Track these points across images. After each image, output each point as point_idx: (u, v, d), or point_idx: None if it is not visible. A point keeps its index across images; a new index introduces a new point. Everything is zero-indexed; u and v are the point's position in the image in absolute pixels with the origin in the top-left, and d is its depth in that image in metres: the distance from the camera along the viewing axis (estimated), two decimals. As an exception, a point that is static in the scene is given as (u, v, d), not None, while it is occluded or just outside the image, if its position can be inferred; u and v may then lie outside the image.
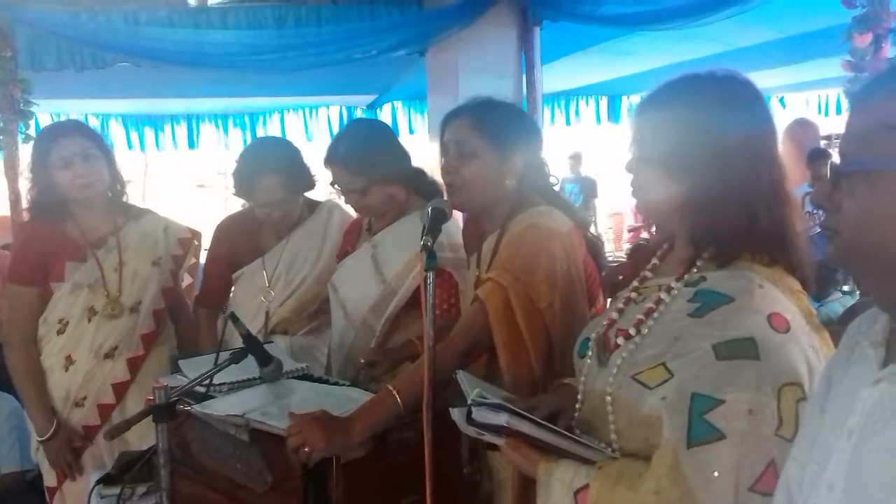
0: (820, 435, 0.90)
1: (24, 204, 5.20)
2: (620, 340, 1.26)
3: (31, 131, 5.12)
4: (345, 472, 1.54)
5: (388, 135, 2.30)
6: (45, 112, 5.94)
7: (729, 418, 1.07)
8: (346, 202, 2.25)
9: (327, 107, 7.97)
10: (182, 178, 11.99)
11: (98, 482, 2.04)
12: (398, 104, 7.77)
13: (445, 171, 1.79)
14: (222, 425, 1.70)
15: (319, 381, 1.97)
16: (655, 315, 1.24)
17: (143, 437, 2.07)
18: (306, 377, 1.98)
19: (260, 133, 7.81)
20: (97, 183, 2.42)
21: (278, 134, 7.51)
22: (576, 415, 1.35)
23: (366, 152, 2.14)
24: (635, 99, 8.42)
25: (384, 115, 7.73)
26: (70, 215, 2.45)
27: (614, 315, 1.34)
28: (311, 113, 7.91)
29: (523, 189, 1.78)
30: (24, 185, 5.16)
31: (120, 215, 2.53)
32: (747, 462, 1.07)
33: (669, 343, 1.18)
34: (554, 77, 6.06)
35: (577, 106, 7.90)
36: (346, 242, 2.41)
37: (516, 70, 5.46)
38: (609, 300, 1.73)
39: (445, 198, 1.78)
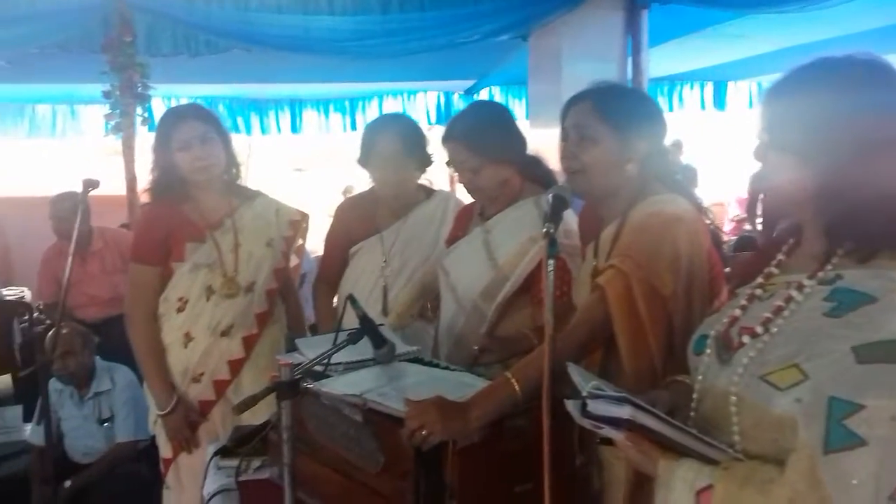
0: None
1: (140, 185, 5.50)
2: (746, 339, 1.21)
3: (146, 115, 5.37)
4: (460, 458, 1.53)
5: (507, 117, 2.28)
6: (158, 96, 6.17)
7: (870, 424, 1.01)
8: (460, 181, 2.23)
9: (425, 92, 8.01)
10: (282, 161, 12.31)
11: (215, 454, 2.11)
12: (496, 89, 7.72)
13: (564, 155, 1.75)
14: (338, 404, 1.72)
15: (430, 364, 1.97)
16: (785, 314, 1.18)
17: (254, 411, 2.12)
18: (417, 360, 1.99)
19: (359, 118, 7.93)
20: (214, 166, 2.49)
21: (377, 119, 7.59)
22: (692, 414, 1.30)
23: (484, 130, 2.15)
24: (743, 85, 8.12)
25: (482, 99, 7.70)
26: (189, 197, 2.53)
27: (737, 312, 1.28)
28: (409, 98, 7.97)
29: (645, 176, 1.72)
30: (140, 166, 5.44)
31: (234, 197, 2.60)
32: (888, 470, 1.01)
33: (802, 343, 1.12)
34: (657, 61, 5.88)
35: (681, 92, 7.67)
36: (456, 227, 2.42)
37: (621, 54, 5.33)
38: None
39: (563, 184, 1.74)
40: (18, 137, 7.33)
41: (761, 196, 1.28)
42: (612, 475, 1.72)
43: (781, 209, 1.27)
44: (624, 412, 1.18)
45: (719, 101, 7.79)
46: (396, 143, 2.49)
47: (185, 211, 2.52)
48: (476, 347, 1.98)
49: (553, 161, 2.35)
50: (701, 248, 1.64)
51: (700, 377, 1.29)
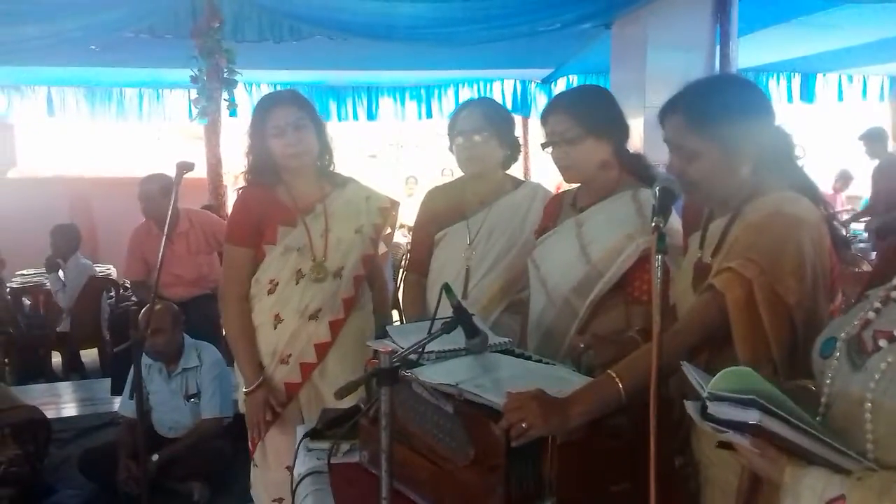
0: None
1: (224, 168, 5.63)
2: (883, 343, 1.15)
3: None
4: (560, 453, 1.51)
5: (612, 96, 2.26)
6: (240, 82, 6.29)
7: None
8: (555, 157, 2.17)
9: (501, 81, 7.98)
10: (356, 147, 12.44)
11: (305, 435, 2.14)
12: (574, 78, 7.62)
13: (671, 171, 1.68)
14: (430, 394, 1.72)
15: (522, 357, 1.95)
16: None
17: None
18: (509, 352, 1.97)
19: (434, 106, 7.95)
20: (307, 152, 2.51)
21: (452, 107, 7.60)
22: (818, 419, 1.25)
23: (587, 100, 2.16)
24: (832, 77, 7.82)
25: (559, 90, 7.61)
26: (282, 181, 2.56)
27: (870, 315, 1.22)
28: (485, 86, 7.95)
29: (763, 172, 1.63)
30: (225, 150, 5.56)
31: (327, 183, 2.61)
32: None
33: None
34: (745, 52, 5.70)
35: (767, 83, 7.43)
36: (546, 218, 2.37)
37: (709, 43, 5.19)
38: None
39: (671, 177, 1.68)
40: (107, 120, 7.57)
41: None
42: (709, 477, 1.67)
43: None
44: (752, 416, 1.13)
45: (808, 94, 7.53)
46: (478, 116, 2.50)
47: (278, 195, 2.55)
48: (581, 346, 1.93)
49: (634, 149, 2.31)
50: (825, 251, 1.56)
51: (829, 381, 1.24)
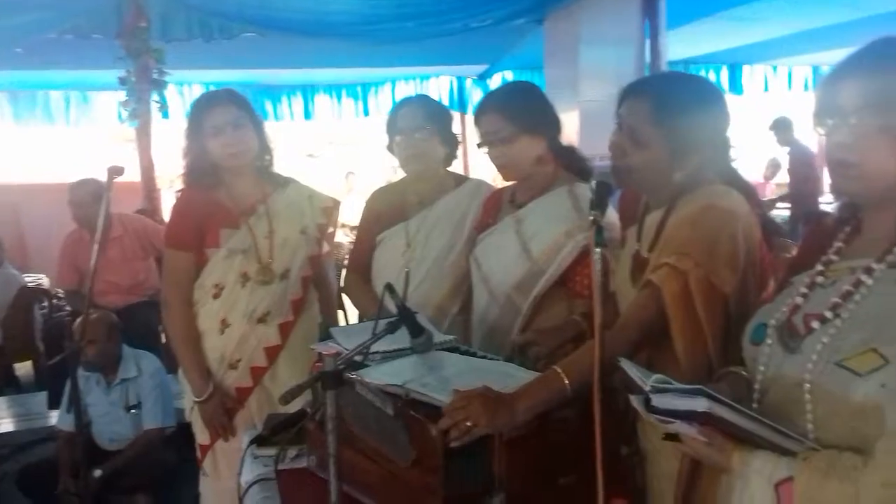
0: None
1: (156, 172, 5.50)
2: (816, 324, 1.19)
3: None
4: (507, 449, 1.52)
5: (542, 93, 2.29)
6: (171, 83, 6.15)
7: None
8: (492, 156, 2.19)
9: (438, 77, 7.99)
10: (294, 147, 12.29)
11: (251, 442, 2.11)
12: (509, 74, 7.68)
13: (614, 149, 1.70)
14: (372, 396, 1.71)
15: (467, 353, 1.96)
16: (857, 298, 1.16)
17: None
18: (454, 349, 1.97)
19: (372, 104, 7.92)
20: (246, 152, 2.47)
21: (389, 104, 7.58)
22: (755, 405, 1.29)
23: (519, 100, 2.17)
24: (758, 69, 8.05)
25: (495, 85, 7.65)
26: (221, 183, 2.51)
27: (798, 300, 1.26)
28: (421, 83, 7.95)
29: (698, 168, 1.65)
30: (158, 153, 5.43)
31: (267, 183, 2.58)
32: None
33: (878, 327, 1.10)
34: (674, 45, 5.83)
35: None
36: (486, 214, 2.39)
37: (639, 38, 5.28)
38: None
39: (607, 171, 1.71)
40: (33, 125, 7.32)
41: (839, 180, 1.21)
42: (656, 468, 1.70)
43: (865, 193, 1.21)
44: (700, 404, 1.14)
45: (736, 85, 7.74)
46: (418, 113, 2.49)
47: (218, 197, 2.51)
48: (522, 342, 1.95)
49: (569, 140, 2.34)
50: (756, 242, 1.61)
51: (762, 367, 1.27)
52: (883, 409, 1.05)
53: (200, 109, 2.47)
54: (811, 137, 8.46)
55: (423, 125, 2.47)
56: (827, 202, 7.15)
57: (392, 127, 2.53)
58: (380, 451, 1.73)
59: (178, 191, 2.61)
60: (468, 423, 1.48)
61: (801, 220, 6.62)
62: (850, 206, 1.30)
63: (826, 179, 7.11)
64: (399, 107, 2.58)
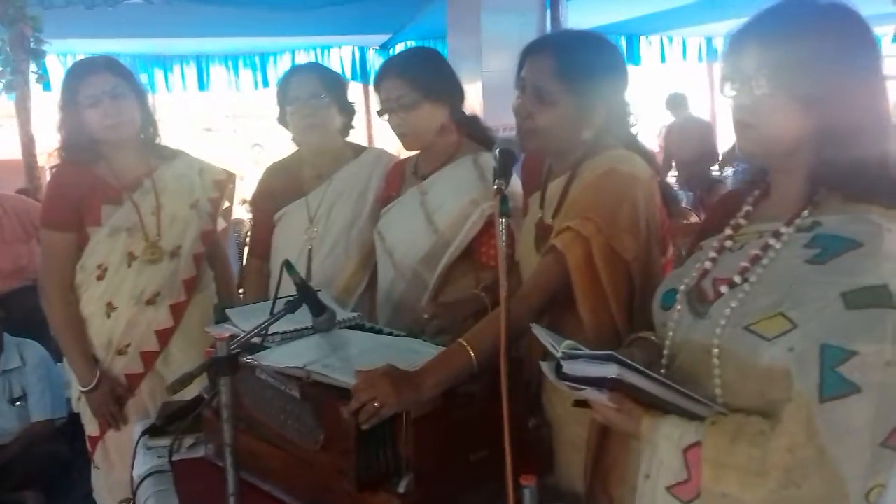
0: None
1: (38, 147, 5.17)
2: (724, 289, 1.18)
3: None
4: (415, 428, 1.47)
5: (444, 60, 2.22)
6: (53, 53, 5.79)
7: (863, 371, 1.00)
8: (393, 124, 2.11)
9: (339, 47, 7.83)
10: (190, 121, 11.82)
11: (143, 433, 2.00)
12: (412, 44, 7.56)
13: (519, 112, 1.64)
14: (276, 379, 1.63)
15: (372, 331, 1.90)
16: (764, 262, 1.15)
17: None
18: (359, 327, 1.91)
19: (271, 75, 7.66)
20: (127, 123, 2.32)
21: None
22: (663, 370, 1.28)
23: (421, 64, 2.10)
24: (654, 39, 8.23)
25: (398, 55, 7.56)
26: (101, 157, 2.35)
27: (707, 265, 1.25)
28: (322, 53, 7.77)
29: (601, 133, 1.64)
30: (36, 128, 5.10)
31: (153, 157, 2.43)
32: (882, 416, 1.01)
33: (786, 291, 1.10)
34: (574, 15, 5.88)
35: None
36: (389, 186, 2.31)
37: (540, 8, 5.30)
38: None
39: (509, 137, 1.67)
40: None
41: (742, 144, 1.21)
42: (563, 435, 1.69)
43: (766, 157, 1.22)
44: (610, 371, 1.13)
45: (633, 56, 7.88)
46: (313, 81, 2.36)
47: (98, 171, 2.34)
48: (425, 316, 1.90)
49: (474, 110, 2.30)
50: (656, 207, 1.61)
51: (671, 332, 1.26)
52: (790, 373, 1.05)
53: (75, 78, 2.29)
54: (704, 109, 8.76)
55: (317, 93, 2.34)
56: (717, 171, 7.43)
57: (283, 97, 2.39)
58: (283, 436, 1.65)
59: (53, 166, 2.42)
60: (376, 404, 1.42)
61: (690, 188, 6.80)
62: (759, 169, 1.29)
63: (720, 150, 7.42)
64: (290, 75, 2.44)
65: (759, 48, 1.14)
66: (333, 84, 2.40)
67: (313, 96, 2.34)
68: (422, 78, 2.04)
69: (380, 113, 2.12)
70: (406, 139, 2.13)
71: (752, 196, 1.29)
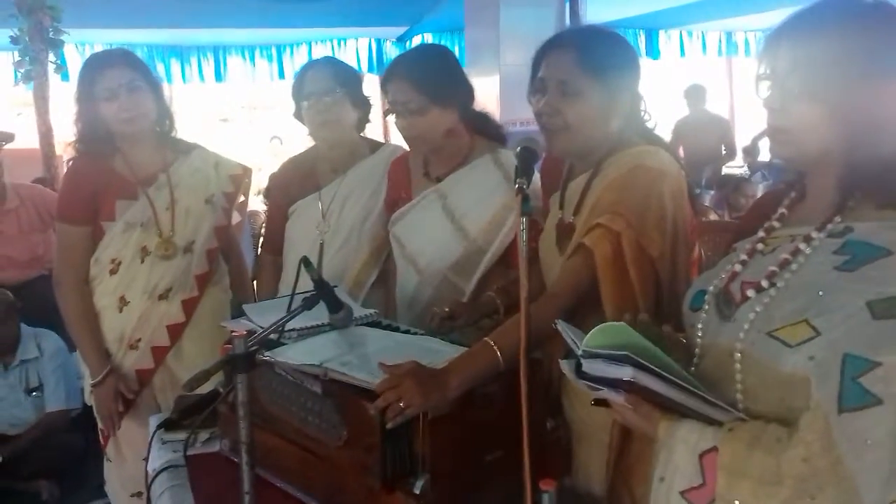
0: None
1: (56, 137, 5.18)
2: (751, 293, 1.15)
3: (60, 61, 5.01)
4: (432, 428, 1.45)
5: (455, 61, 2.16)
6: (71, 42, 5.80)
7: (886, 382, 0.97)
8: (400, 126, 2.08)
9: (356, 38, 7.80)
10: (206, 111, 11.85)
11: (159, 427, 1.99)
12: (429, 36, 7.55)
13: (544, 112, 1.61)
14: (294, 376, 1.62)
15: (389, 328, 1.88)
16: (793, 267, 1.12)
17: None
18: (376, 324, 1.89)
19: (287, 66, 7.65)
20: (143, 117, 2.31)
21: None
22: (691, 370, 1.25)
23: (430, 69, 2.03)
24: (673, 33, 8.15)
25: (415, 48, 7.52)
26: (117, 150, 2.35)
27: (737, 267, 1.22)
28: (339, 45, 7.74)
29: (623, 128, 1.62)
30: (54, 117, 5.12)
31: (169, 151, 2.42)
32: None
33: (813, 298, 1.07)
34: (592, 9, 5.83)
35: (615, 39, 7.66)
36: (396, 186, 2.27)
37: (559, 0, 5.25)
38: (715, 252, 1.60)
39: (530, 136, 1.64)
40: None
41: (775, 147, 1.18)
42: (582, 436, 1.68)
43: (800, 160, 1.18)
44: (625, 373, 1.11)
45: (653, 50, 7.81)
46: (327, 76, 2.33)
47: (114, 166, 2.34)
48: (447, 309, 1.87)
49: (490, 108, 2.26)
50: (684, 203, 1.58)
51: (699, 334, 1.24)
52: (810, 381, 1.03)
53: (91, 72, 2.28)
54: (723, 104, 8.67)
55: (332, 88, 2.31)
56: (738, 167, 7.31)
57: (299, 92, 2.37)
58: (303, 432, 1.64)
59: (70, 160, 2.42)
60: (401, 404, 1.41)
61: (709, 186, 6.67)
62: (796, 172, 1.26)
63: (738, 145, 7.32)
64: (305, 70, 2.42)
65: (791, 48, 1.11)
66: (348, 79, 2.37)
67: (327, 92, 2.31)
68: (429, 82, 1.98)
69: (385, 113, 2.10)
70: (413, 143, 2.11)
71: (788, 199, 1.26)
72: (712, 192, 6.12)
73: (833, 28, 1.09)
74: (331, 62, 2.47)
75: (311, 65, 2.48)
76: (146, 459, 1.96)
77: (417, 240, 2.15)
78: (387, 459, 1.46)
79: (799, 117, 1.11)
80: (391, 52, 7.89)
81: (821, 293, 1.06)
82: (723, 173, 6.74)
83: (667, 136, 9.11)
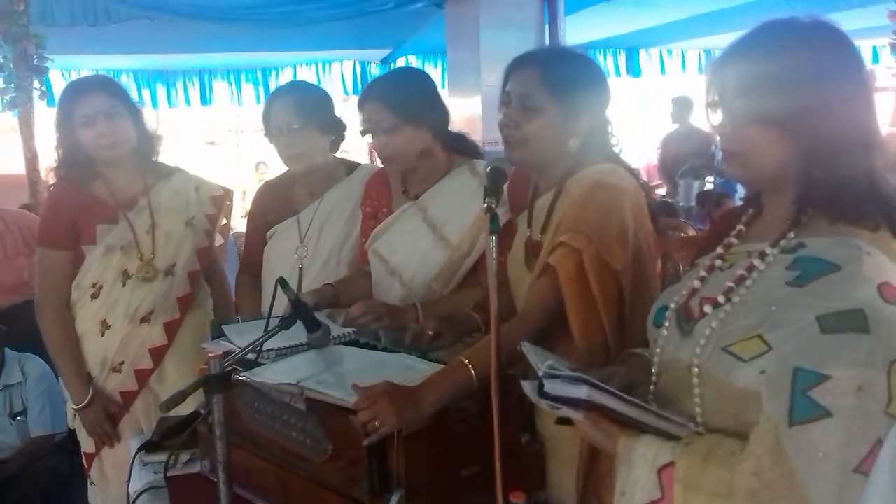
0: None
1: (41, 162, 5.20)
2: (708, 309, 1.18)
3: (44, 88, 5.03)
4: (406, 445, 1.48)
5: (428, 82, 2.20)
6: (56, 69, 5.83)
7: (836, 395, 1.00)
8: (375, 146, 2.12)
9: (341, 62, 7.86)
10: (193, 135, 11.88)
11: (140, 449, 2.00)
12: (413, 58, 7.63)
13: (506, 123, 1.67)
14: (277, 393, 1.64)
15: (367, 346, 1.91)
16: (748, 283, 1.16)
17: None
18: (353, 343, 1.91)
19: (273, 88, 7.67)
20: (122, 142, 2.34)
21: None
22: (652, 388, 1.29)
23: (402, 88, 2.08)
24: (654, 52, 8.26)
25: (399, 70, 7.58)
26: (98, 175, 2.37)
27: (696, 283, 1.26)
28: (324, 68, 7.80)
29: (585, 147, 1.67)
30: (39, 143, 5.13)
31: (150, 175, 2.45)
32: (854, 442, 1.00)
33: (765, 313, 1.10)
34: (573, 30, 5.91)
35: (595, 59, 7.73)
36: (375, 198, 2.28)
37: (539, 22, 5.33)
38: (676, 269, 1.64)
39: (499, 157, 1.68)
40: None
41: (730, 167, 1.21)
42: (554, 450, 1.70)
43: (756, 180, 1.22)
44: (581, 392, 1.14)
45: (634, 69, 7.90)
46: (289, 108, 2.31)
47: (94, 190, 2.37)
48: (429, 332, 1.90)
49: (471, 128, 2.30)
50: (645, 218, 1.62)
51: (659, 350, 1.27)
52: (760, 396, 1.05)
53: (69, 99, 2.32)
54: (703, 119, 8.73)
55: (294, 121, 2.30)
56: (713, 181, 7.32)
57: (266, 125, 2.38)
58: (286, 449, 1.66)
59: (51, 185, 2.45)
60: (377, 423, 1.43)
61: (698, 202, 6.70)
62: (753, 189, 1.29)
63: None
64: (271, 101, 2.40)
65: (738, 72, 1.15)
66: (313, 108, 2.34)
67: (289, 127, 2.30)
68: (401, 102, 2.02)
69: (362, 133, 2.13)
70: (388, 162, 2.15)
71: (746, 215, 1.30)
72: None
73: (776, 51, 1.13)
74: (294, 90, 2.43)
75: (275, 96, 2.44)
76: (128, 482, 1.97)
77: (401, 254, 2.17)
78: (373, 471, 1.48)
79: (751, 140, 1.14)
80: (376, 74, 7.96)
81: (773, 308, 1.09)
82: (705, 188, 6.77)
83: (652, 150, 9.20)
